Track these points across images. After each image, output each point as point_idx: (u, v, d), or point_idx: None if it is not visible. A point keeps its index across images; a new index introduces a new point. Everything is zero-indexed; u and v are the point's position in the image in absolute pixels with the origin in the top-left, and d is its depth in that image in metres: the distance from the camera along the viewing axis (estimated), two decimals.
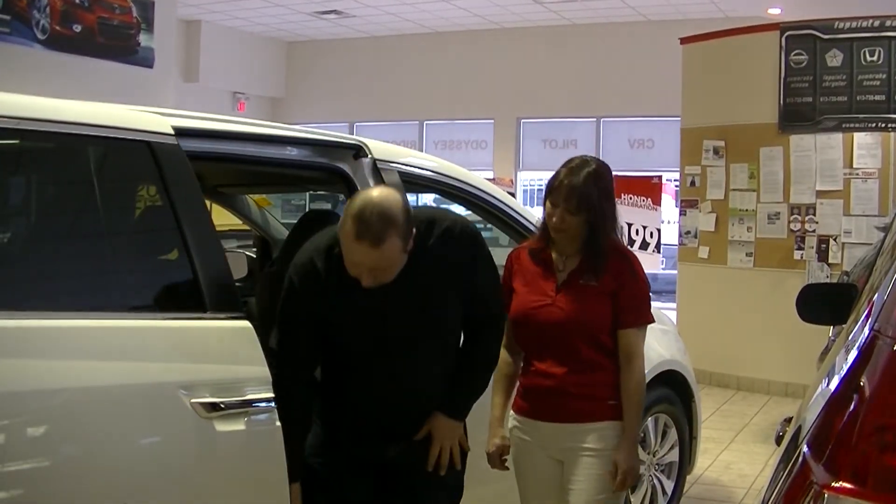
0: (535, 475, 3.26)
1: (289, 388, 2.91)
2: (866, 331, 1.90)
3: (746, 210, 8.98)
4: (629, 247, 7.67)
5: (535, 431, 3.23)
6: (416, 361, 2.97)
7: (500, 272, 3.25)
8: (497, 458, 3.26)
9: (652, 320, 3.26)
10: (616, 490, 3.12)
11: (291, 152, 3.50)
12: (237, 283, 3.45)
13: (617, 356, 3.17)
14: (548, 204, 3.20)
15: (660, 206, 9.98)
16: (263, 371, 2.88)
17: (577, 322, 3.13)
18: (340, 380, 3.04)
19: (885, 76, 8.27)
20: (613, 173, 3.32)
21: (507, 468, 3.28)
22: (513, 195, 10.94)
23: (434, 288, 2.94)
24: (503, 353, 3.30)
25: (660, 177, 10.05)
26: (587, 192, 3.13)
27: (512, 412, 3.30)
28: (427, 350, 2.98)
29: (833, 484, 1.49)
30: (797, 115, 8.66)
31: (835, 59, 8.48)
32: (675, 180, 11.73)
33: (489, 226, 4.43)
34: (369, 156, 3.53)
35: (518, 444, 3.28)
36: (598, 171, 3.18)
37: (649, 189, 9.68)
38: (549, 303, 3.17)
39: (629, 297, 3.17)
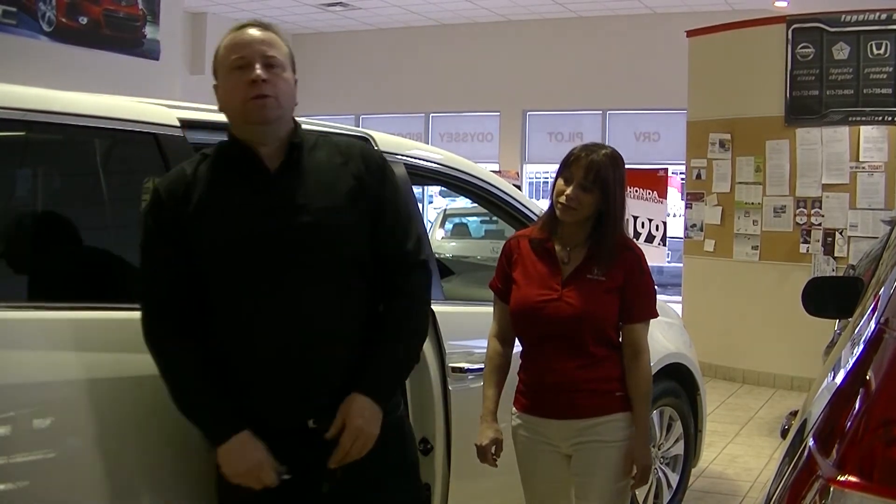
0: (543, 474, 3.18)
1: (163, 336, 2.45)
2: (872, 324, 1.90)
3: (752, 203, 8.97)
4: (635, 240, 7.64)
5: (542, 429, 3.14)
6: (313, 295, 2.44)
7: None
8: (489, 453, 3.12)
9: (656, 315, 3.21)
10: (635, 487, 3.11)
11: None
12: None
13: (620, 348, 3.12)
14: (559, 181, 3.08)
15: (665, 198, 9.94)
16: None
17: (587, 317, 3.04)
18: (227, 336, 2.49)
19: (891, 69, 8.25)
20: None
21: (496, 465, 3.16)
22: (518, 188, 10.93)
23: (328, 206, 2.47)
24: (494, 344, 3.24)
25: (665, 170, 10.00)
26: (605, 169, 3.03)
27: (514, 410, 3.22)
28: (323, 279, 2.46)
29: (839, 478, 1.49)
30: (803, 109, 8.64)
31: (841, 52, 8.46)
32: (680, 173, 11.71)
33: (495, 218, 4.42)
34: (375, 148, 3.52)
35: (524, 443, 3.19)
36: (614, 155, 3.10)
37: (655, 182, 9.65)
38: (556, 297, 3.07)
39: (637, 293, 3.10)
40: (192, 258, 2.45)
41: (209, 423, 2.46)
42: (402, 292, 2.60)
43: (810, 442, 1.68)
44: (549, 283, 3.10)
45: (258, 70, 2.41)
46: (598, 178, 3.02)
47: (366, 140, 3.50)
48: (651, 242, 9.35)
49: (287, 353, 2.44)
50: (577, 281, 3.08)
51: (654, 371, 4.33)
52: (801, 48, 8.67)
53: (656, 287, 3.23)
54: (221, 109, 2.53)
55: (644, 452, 3.08)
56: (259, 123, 2.45)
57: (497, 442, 3.14)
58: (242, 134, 2.51)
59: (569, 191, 3.03)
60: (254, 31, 2.47)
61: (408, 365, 2.69)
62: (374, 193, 2.55)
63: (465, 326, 3.70)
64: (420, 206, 6.90)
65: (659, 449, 4.68)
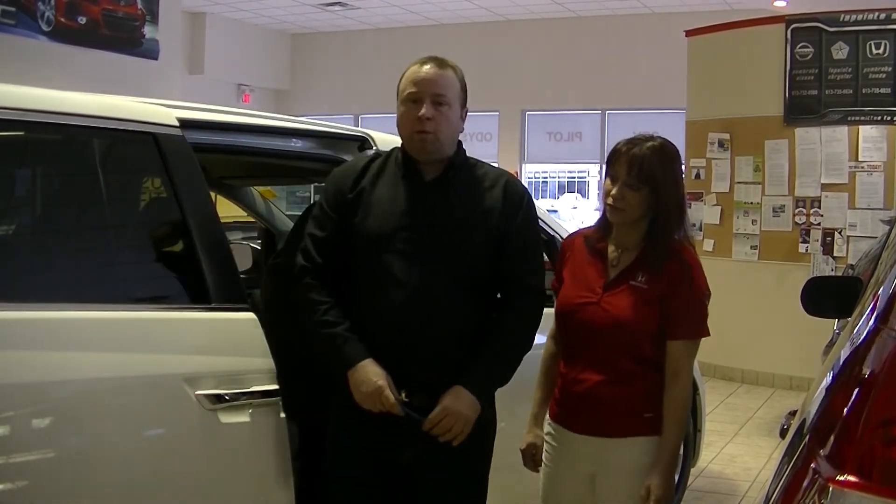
0: (563, 487, 3.00)
1: (312, 283, 2.85)
2: (871, 324, 1.90)
3: (751, 203, 8.97)
4: None
5: (566, 441, 2.96)
6: (435, 288, 2.79)
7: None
8: (529, 457, 3.05)
9: (706, 334, 2.90)
10: None
11: (296, 144, 3.50)
12: (242, 275, 3.44)
13: (658, 366, 2.85)
14: (606, 181, 2.88)
15: None
16: (268, 363, 2.89)
17: (619, 328, 2.82)
18: (357, 305, 2.85)
19: (890, 69, 8.25)
20: None
21: (538, 470, 3.06)
22: None
23: (464, 219, 2.87)
24: (549, 345, 3.09)
25: None
26: (650, 164, 2.80)
27: (547, 416, 3.05)
28: (446, 279, 2.81)
29: (838, 477, 1.49)
30: (802, 108, 8.64)
31: (840, 51, 8.46)
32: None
33: None
34: (374, 147, 3.52)
35: (549, 453, 3.02)
36: (663, 147, 2.86)
37: None
38: (594, 301, 2.87)
39: (680, 306, 2.82)
40: (346, 237, 2.86)
41: (342, 349, 2.78)
42: (514, 308, 2.92)
43: (809, 441, 1.68)
44: (591, 286, 2.91)
45: (424, 109, 2.81)
46: (643, 175, 2.79)
47: (369, 144, 3.52)
48: None
49: (401, 332, 2.78)
50: (620, 286, 2.87)
51: None
52: (800, 48, 8.67)
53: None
54: (397, 126, 2.93)
55: (663, 481, 2.78)
56: (420, 153, 2.88)
57: (535, 447, 3.05)
58: (409, 151, 2.90)
59: (614, 190, 2.83)
60: (431, 69, 2.87)
61: (506, 373, 2.94)
62: (506, 220, 2.90)
63: None
64: None
65: None
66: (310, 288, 2.85)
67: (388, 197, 2.88)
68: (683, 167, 9.69)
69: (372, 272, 2.84)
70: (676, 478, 4.81)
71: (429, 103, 2.83)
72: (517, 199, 2.95)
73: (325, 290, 2.85)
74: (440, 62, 2.91)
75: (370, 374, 2.73)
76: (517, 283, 2.93)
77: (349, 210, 2.87)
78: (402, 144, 2.94)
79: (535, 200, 3.15)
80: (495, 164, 3.41)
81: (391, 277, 2.80)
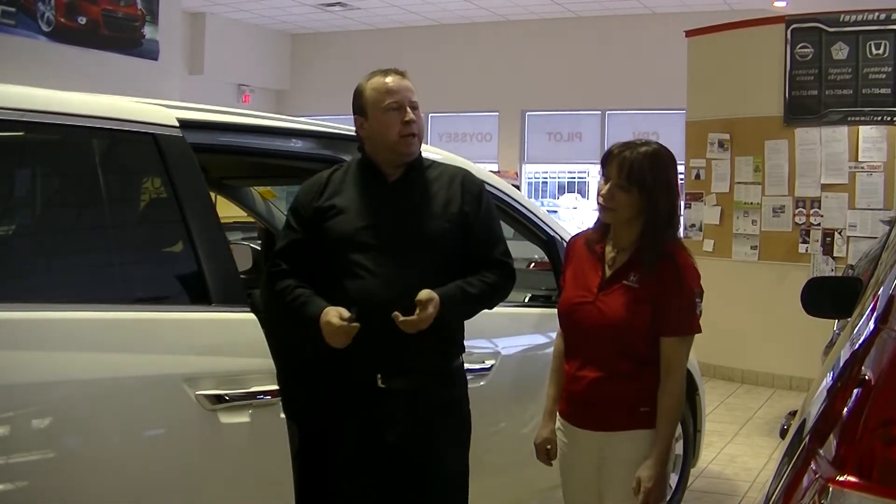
0: (575, 480, 3.11)
1: (277, 280, 3.06)
2: (871, 324, 1.90)
3: (751, 203, 8.97)
4: None
5: (572, 436, 3.07)
6: (405, 278, 2.95)
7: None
8: (543, 452, 3.15)
9: (697, 330, 3.00)
10: None
11: (296, 144, 3.50)
12: (242, 276, 3.44)
13: (653, 362, 2.93)
14: (601, 181, 3.02)
15: None
16: (268, 363, 2.89)
17: (613, 328, 2.93)
18: (336, 298, 2.98)
19: (890, 69, 8.26)
20: None
21: (551, 464, 3.16)
22: (517, 188, 10.95)
23: (426, 213, 3.07)
24: (559, 342, 3.18)
25: None
26: (641, 167, 2.90)
27: (557, 413, 3.15)
28: (415, 269, 2.98)
29: (838, 477, 1.49)
30: (802, 109, 8.64)
31: (840, 52, 8.46)
32: (679, 173, 11.71)
33: None
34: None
35: (561, 448, 3.13)
36: (657, 153, 2.97)
37: None
38: (590, 301, 2.98)
39: (672, 304, 2.92)
40: (318, 239, 3.06)
41: (306, 308, 2.97)
42: (486, 271, 3.09)
43: (809, 442, 1.68)
44: (588, 286, 3.01)
45: (410, 114, 3.07)
46: (633, 177, 2.90)
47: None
48: None
49: (377, 317, 2.88)
50: (614, 286, 2.97)
51: None
52: (800, 48, 8.68)
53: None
54: (366, 138, 3.13)
55: (654, 474, 2.86)
56: (406, 155, 3.10)
57: (549, 442, 3.14)
58: (377, 155, 3.12)
59: (604, 190, 2.95)
60: (399, 79, 3.13)
61: (469, 306, 3.10)
62: (468, 213, 3.10)
63: None
64: None
65: None
66: (275, 284, 3.08)
67: (355, 200, 3.08)
68: (683, 168, 9.73)
69: (347, 268, 3.01)
70: (677, 478, 4.84)
71: (408, 108, 3.07)
72: (476, 193, 3.16)
73: (291, 279, 3.05)
74: (399, 72, 3.17)
75: (327, 316, 2.88)
76: (490, 259, 3.13)
77: (316, 218, 3.07)
78: (371, 151, 3.13)
79: (536, 200, 3.20)
80: (495, 164, 3.47)
81: (365, 269, 2.99)
